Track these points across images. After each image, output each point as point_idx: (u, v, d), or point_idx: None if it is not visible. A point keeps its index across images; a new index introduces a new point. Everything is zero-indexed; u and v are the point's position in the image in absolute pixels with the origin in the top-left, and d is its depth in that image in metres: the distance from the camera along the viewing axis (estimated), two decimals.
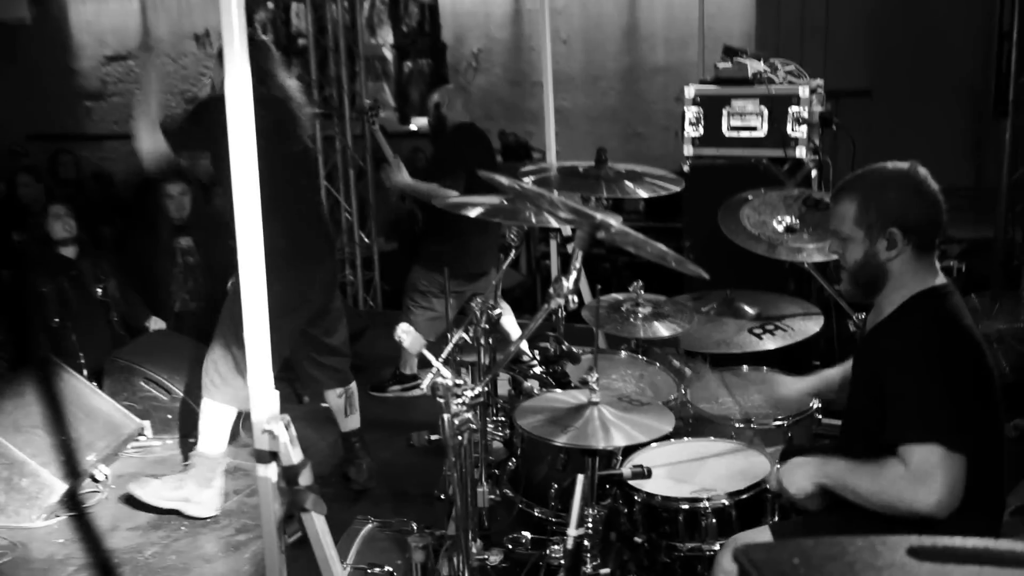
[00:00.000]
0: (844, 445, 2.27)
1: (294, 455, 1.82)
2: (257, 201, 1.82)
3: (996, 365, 2.08)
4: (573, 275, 2.11)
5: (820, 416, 2.80)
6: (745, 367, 3.08)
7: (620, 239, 2.21)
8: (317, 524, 1.85)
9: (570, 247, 3.88)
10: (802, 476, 2.12)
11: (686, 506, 2.33)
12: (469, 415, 2.09)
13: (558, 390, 2.63)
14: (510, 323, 4.19)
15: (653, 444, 2.58)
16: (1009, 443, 4.09)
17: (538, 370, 2.78)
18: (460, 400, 2.05)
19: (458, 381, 2.07)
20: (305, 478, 1.83)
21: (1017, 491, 3.38)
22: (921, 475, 1.88)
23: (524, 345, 3.28)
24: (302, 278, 3.33)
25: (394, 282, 6.04)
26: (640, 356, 3.13)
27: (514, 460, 2.64)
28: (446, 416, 1.98)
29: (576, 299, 2.16)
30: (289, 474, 1.81)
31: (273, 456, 1.79)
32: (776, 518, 2.34)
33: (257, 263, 1.82)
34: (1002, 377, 4.67)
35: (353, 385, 3.72)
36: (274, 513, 1.80)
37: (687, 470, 2.51)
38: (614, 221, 2.07)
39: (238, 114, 1.78)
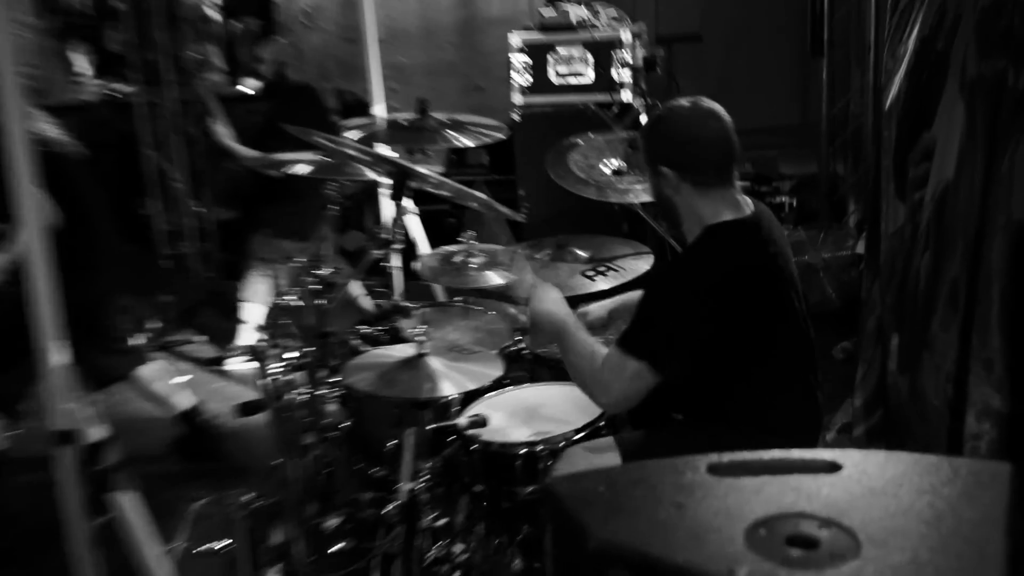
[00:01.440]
0: None
1: (95, 432, 1.72)
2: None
3: (790, 295, 2.17)
4: (388, 221, 2.08)
5: None
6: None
7: (434, 187, 2.20)
8: (126, 505, 1.76)
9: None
10: (548, 309, 2.25)
11: (523, 451, 2.35)
12: (294, 377, 2.04)
13: (388, 347, 2.60)
14: (354, 283, 4.14)
15: (492, 394, 2.61)
16: (836, 365, 4.37)
17: (365, 329, 2.74)
18: (282, 363, 2.00)
19: (279, 343, 2.02)
20: (110, 456, 1.74)
21: (844, 409, 3.61)
22: (609, 375, 2.04)
23: (364, 302, 3.27)
24: None
25: (234, 251, 5.84)
26: (474, 306, 3.10)
27: (349, 421, 2.60)
28: (265, 380, 1.92)
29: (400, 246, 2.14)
30: (90, 452, 1.71)
31: (69, 436, 1.69)
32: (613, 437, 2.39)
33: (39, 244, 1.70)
34: (826, 303, 4.98)
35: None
36: (76, 496, 1.70)
37: (525, 416, 2.53)
38: (421, 168, 2.05)
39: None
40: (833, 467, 0.97)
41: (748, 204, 2.20)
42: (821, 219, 5.66)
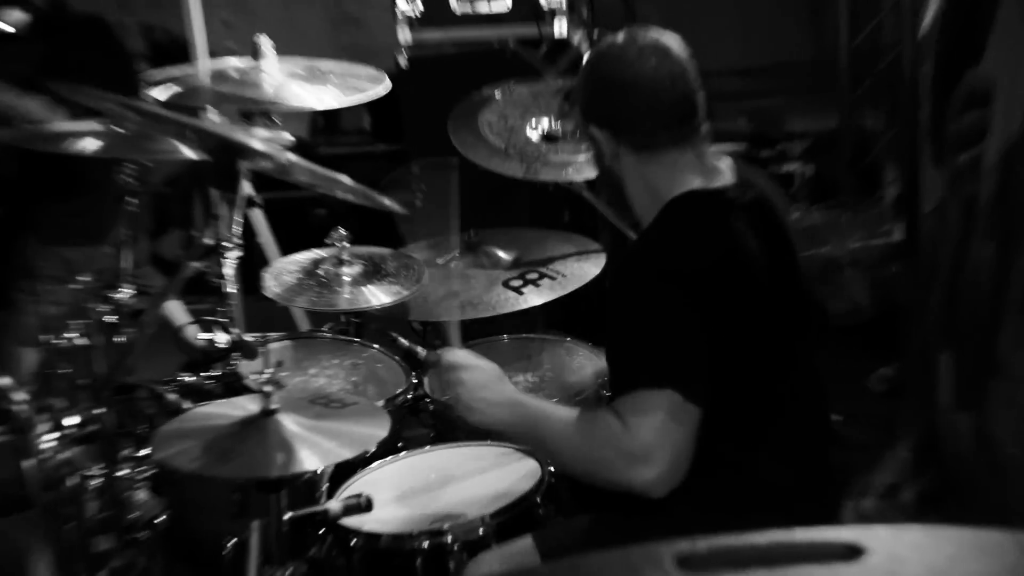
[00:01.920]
0: None
1: None
2: None
3: (785, 308, 2.22)
4: (215, 222, 2.06)
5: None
6: (505, 337, 3.16)
7: (286, 171, 2.19)
8: None
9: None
10: (487, 403, 2.24)
11: (425, 543, 2.36)
12: (75, 453, 2.01)
13: (223, 400, 2.57)
14: (174, 308, 4.08)
15: (377, 464, 2.64)
16: (874, 400, 4.47)
17: (188, 378, 2.71)
18: (55, 433, 1.96)
19: (48, 404, 1.98)
20: None
21: (887, 463, 3.68)
22: (638, 436, 2.00)
23: (192, 335, 3.23)
24: None
25: None
26: (351, 338, 3.16)
27: (167, 513, 2.57)
28: (26, 460, 1.88)
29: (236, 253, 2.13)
30: None
31: None
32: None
33: None
34: (856, 312, 5.09)
35: None
36: None
37: (428, 493, 2.56)
38: (261, 144, 2.03)
39: None
40: (853, 552, 0.96)
41: (727, 170, 2.25)
42: (846, 194, 5.77)
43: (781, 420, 2.18)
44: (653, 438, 1.99)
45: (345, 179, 2.12)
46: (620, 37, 2.21)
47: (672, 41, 2.20)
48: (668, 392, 1.99)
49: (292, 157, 2.09)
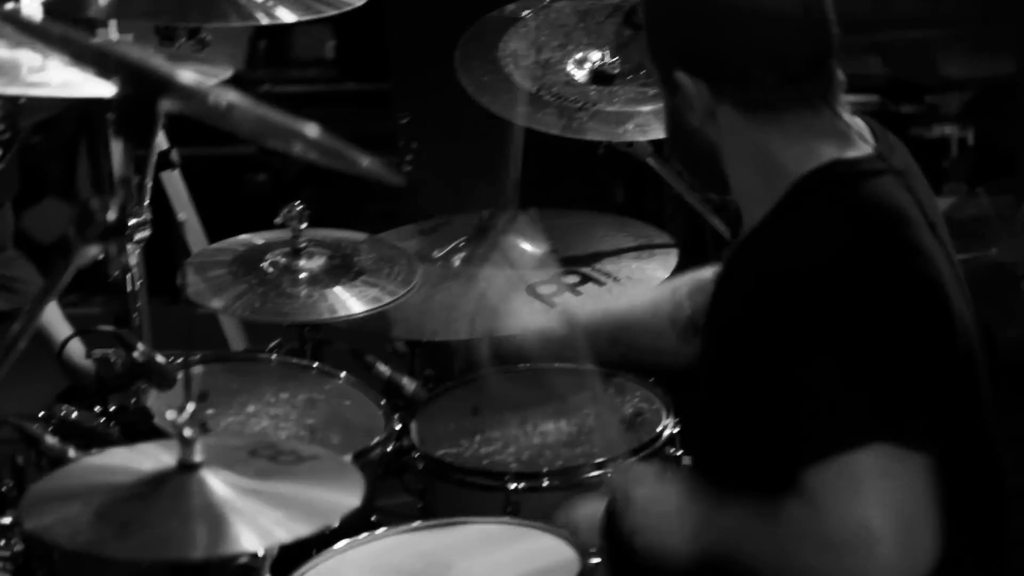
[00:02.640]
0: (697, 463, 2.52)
1: None
2: None
3: (970, 314, 2.23)
4: (121, 188, 2.07)
5: (679, 452, 2.98)
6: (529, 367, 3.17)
7: (224, 116, 2.19)
8: None
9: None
10: (669, 534, 2.23)
11: None
12: None
13: (122, 447, 2.60)
14: (52, 314, 4.10)
15: (343, 544, 2.64)
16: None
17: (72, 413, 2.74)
18: None
19: None
20: None
21: None
22: (851, 521, 1.97)
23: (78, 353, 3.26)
24: None
25: None
26: (309, 362, 3.18)
27: None
28: None
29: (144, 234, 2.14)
30: None
31: None
32: None
33: None
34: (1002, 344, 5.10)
35: None
36: None
37: None
38: (195, 77, 2.04)
39: None
40: None
41: (863, 131, 2.27)
42: (1019, 171, 5.77)
43: (962, 483, 2.18)
44: (862, 511, 1.98)
45: (311, 129, 2.11)
46: None
47: None
48: (874, 447, 1.99)
49: (235, 97, 2.10)
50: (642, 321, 2.81)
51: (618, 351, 2.88)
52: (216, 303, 3.10)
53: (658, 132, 3.14)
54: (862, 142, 2.23)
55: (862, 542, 1.96)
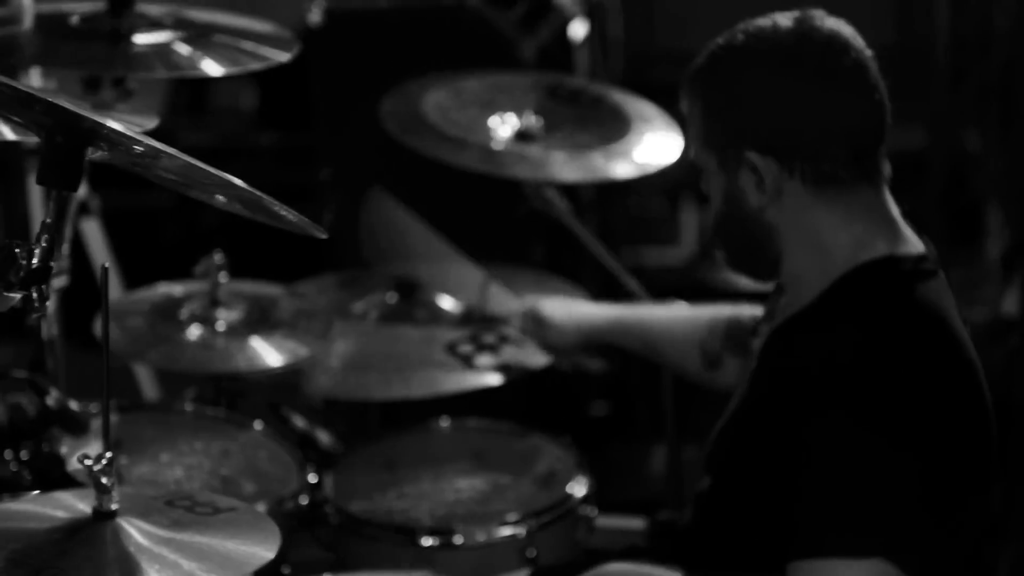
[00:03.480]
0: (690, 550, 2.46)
1: None
2: None
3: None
4: (43, 236, 2.08)
5: (593, 511, 3.00)
6: (443, 423, 3.22)
7: (149, 165, 2.21)
8: None
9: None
10: None
11: None
12: None
13: (34, 495, 2.58)
14: None
15: None
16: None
17: None
18: None
19: None
20: None
21: None
22: None
23: None
24: None
25: None
26: (223, 413, 3.18)
27: None
28: None
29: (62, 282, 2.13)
30: None
31: None
32: None
33: None
34: None
35: None
36: None
37: None
38: (117, 120, 2.05)
39: None
40: None
41: (911, 232, 2.29)
42: (936, 242, 5.84)
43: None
44: None
45: (237, 181, 2.12)
46: (782, 22, 2.23)
47: (848, 28, 2.25)
48: (874, 563, 2.00)
49: (160, 147, 2.10)
50: (673, 337, 2.89)
51: (643, 352, 2.99)
52: (133, 352, 3.12)
53: (572, 176, 3.22)
54: (913, 238, 2.26)
55: None
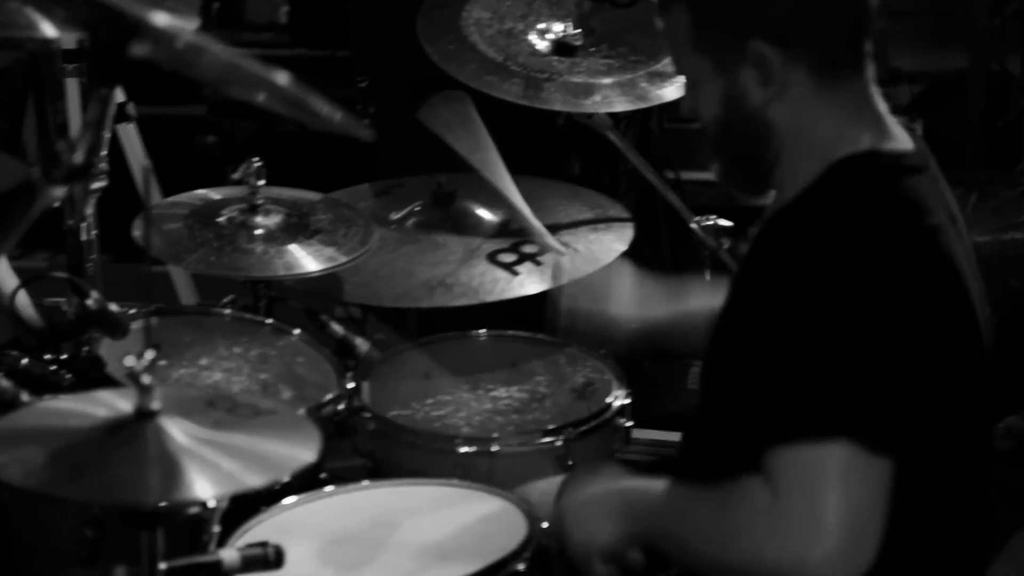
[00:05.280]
0: (690, 458, 2.48)
1: None
2: None
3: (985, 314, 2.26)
4: (83, 135, 2.08)
5: (629, 423, 2.99)
6: (483, 334, 3.22)
7: (190, 63, 2.20)
8: None
9: None
10: (598, 521, 2.31)
11: None
12: None
13: (77, 394, 2.60)
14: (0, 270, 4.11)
15: (294, 499, 2.65)
16: (997, 460, 4.53)
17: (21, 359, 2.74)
18: None
19: None
20: None
21: (1012, 552, 3.75)
22: (802, 502, 2.02)
23: (23, 303, 3.25)
24: None
25: None
26: (263, 318, 3.19)
27: None
28: None
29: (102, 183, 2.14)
30: None
31: None
32: None
33: None
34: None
35: None
36: None
37: (363, 547, 2.57)
38: (166, 18, 2.05)
39: None
40: None
41: (900, 128, 2.30)
42: (974, 166, 5.82)
43: (958, 483, 2.23)
44: (818, 503, 2.01)
45: (281, 76, 2.11)
46: None
47: None
48: (842, 444, 2.01)
49: (205, 41, 2.10)
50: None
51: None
52: (173, 255, 3.13)
53: (617, 105, 3.19)
54: (901, 134, 2.28)
55: (810, 532, 2.00)
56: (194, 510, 2.49)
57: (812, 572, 2.00)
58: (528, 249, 3.14)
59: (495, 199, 3.28)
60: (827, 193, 2.20)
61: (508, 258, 3.13)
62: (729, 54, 2.22)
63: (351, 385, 3.01)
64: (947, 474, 2.20)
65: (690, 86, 2.34)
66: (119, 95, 3.01)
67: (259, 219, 3.11)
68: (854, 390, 2.04)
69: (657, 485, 2.32)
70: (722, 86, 2.26)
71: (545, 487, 2.66)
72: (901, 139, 2.27)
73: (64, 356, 2.77)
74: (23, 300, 3.22)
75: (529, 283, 3.10)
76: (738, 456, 2.13)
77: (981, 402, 2.26)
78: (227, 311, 3.25)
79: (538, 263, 3.12)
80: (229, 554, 2.34)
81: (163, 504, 2.24)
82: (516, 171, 3.42)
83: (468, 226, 3.27)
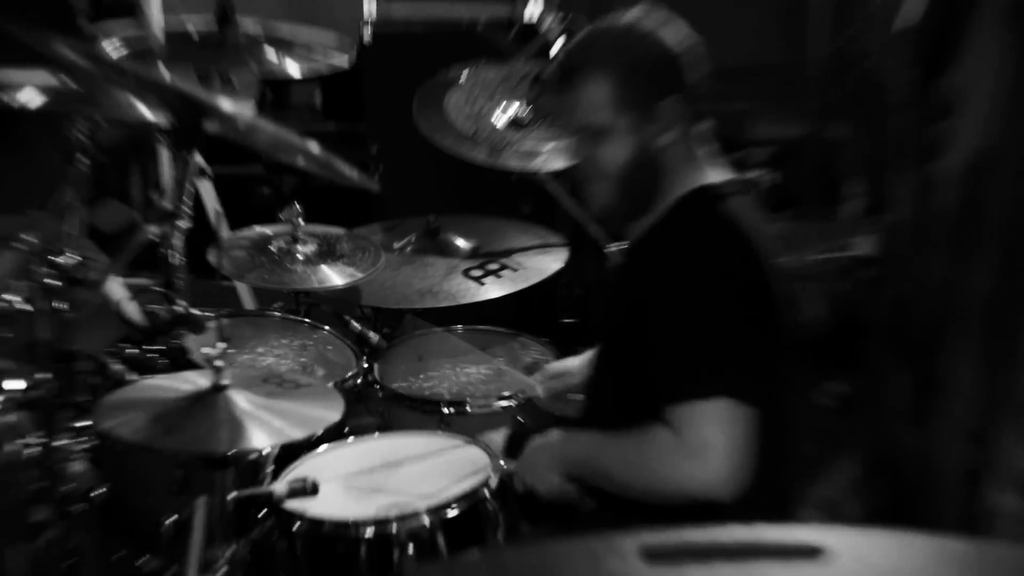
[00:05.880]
0: (590, 419, 2.47)
1: None
2: None
3: (784, 297, 2.29)
4: (171, 190, 2.08)
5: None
6: (460, 328, 3.22)
7: (248, 137, 2.22)
8: None
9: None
10: (545, 464, 2.33)
11: (369, 531, 2.37)
12: (15, 419, 2.03)
13: (169, 374, 2.60)
14: (112, 283, 4.08)
15: (324, 448, 2.65)
16: (824, 414, 4.53)
17: (128, 350, 2.75)
18: None
19: None
20: None
21: (831, 476, 3.75)
22: (696, 443, 2.05)
23: (131, 310, 3.24)
24: None
25: None
26: (302, 318, 3.19)
27: (105, 487, 2.59)
28: None
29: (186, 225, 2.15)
30: None
31: None
32: (503, 534, 2.44)
33: None
34: (814, 325, 5.16)
35: None
36: None
37: (375, 481, 2.56)
38: (230, 105, 2.06)
39: None
40: (814, 552, 0.97)
41: (720, 165, 2.35)
42: (808, 205, 5.84)
43: (780, 425, 2.24)
44: (713, 439, 2.04)
45: (312, 146, 2.13)
46: (632, 14, 2.26)
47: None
48: (722, 400, 2.05)
49: (260, 121, 2.12)
50: None
51: None
52: (238, 274, 3.12)
53: (557, 164, 3.21)
54: (721, 171, 2.32)
55: (704, 456, 2.03)
56: (253, 456, 2.50)
57: (705, 491, 2.05)
58: (490, 267, 3.14)
59: (470, 233, 3.30)
60: (680, 219, 2.24)
61: (476, 273, 3.13)
62: (644, 112, 2.22)
63: (366, 365, 3.02)
64: (776, 414, 2.21)
65: (598, 140, 2.24)
66: (198, 158, 3.01)
67: (299, 247, 3.10)
68: (727, 361, 2.10)
69: (586, 435, 2.35)
70: (635, 140, 2.23)
71: (499, 436, 2.69)
72: (721, 173, 2.30)
73: (160, 347, 2.77)
74: (131, 307, 3.21)
75: (491, 290, 3.08)
76: (629, 412, 2.17)
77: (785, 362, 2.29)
78: (277, 313, 3.25)
79: (498, 276, 3.11)
80: (279, 486, 2.37)
81: (231, 452, 2.28)
82: (482, 212, 3.44)
83: (449, 251, 3.28)
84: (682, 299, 2.16)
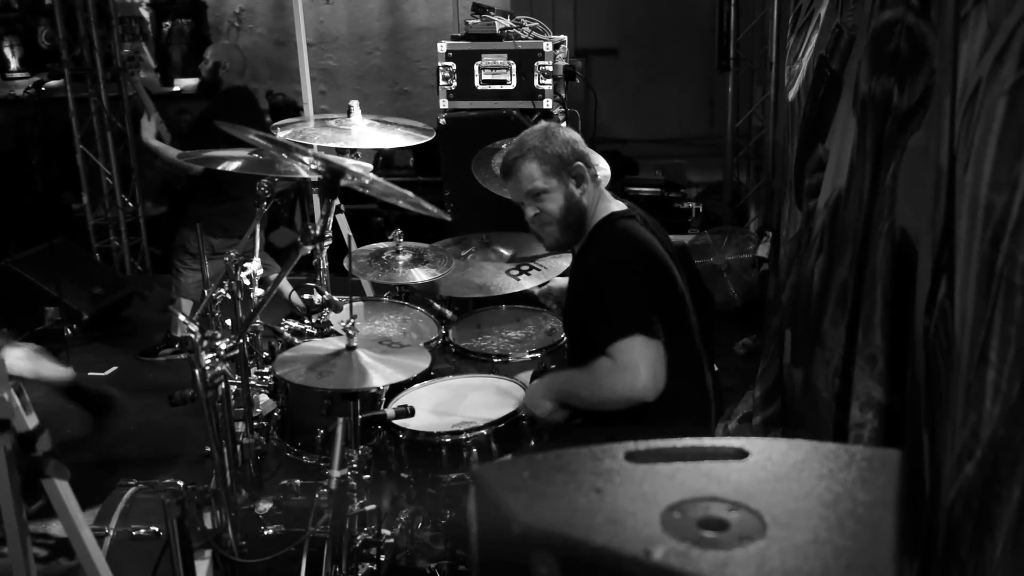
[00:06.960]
0: (569, 362, 2.46)
1: (28, 421, 1.65)
2: None
3: (689, 283, 2.29)
4: (320, 221, 2.05)
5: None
6: (504, 307, 3.15)
7: (368, 187, 2.18)
8: (60, 491, 1.69)
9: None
10: (540, 395, 2.29)
11: (448, 439, 2.35)
12: (224, 367, 2.00)
13: (318, 339, 2.57)
14: (284, 282, 4.08)
15: (417, 385, 2.61)
16: (738, 360, 4.47)
17: (293, 323, 2.71)
18: (212, 354, 1.96)
19: (209, 334, 1.98)
20: (43, 444, 1.67)
21: (745, 400, 3.70)
22: (625, 364, 2.04)
23: (294, 297, 3.22)
24: None
25: (164, 246, 5.71)
26: (403, 301, 3.13)
27: (280, 410, 2.56)
28: (196, 370, 1.88)
29: (329, 243, 2.13)
30: (24, 441, 1.64)
31: (5, 424, 1.61)
32: (533, 442, 2.40)
33: None
34: (729, 302, 5.08)
35: None
36: (12, 482, 1.63)
37: (450, 406, 2.53)
38: (354, 166, 2.02)
39: None
40: (741, 454, 0.97)
41: (620, 200, 2.37)
42: (725, 224, 5.80)
43: (683, 361, 2.20)
44: (635, 360, 2.03)
45: (408, 193, 2.10)
46: (551, 124, 2.37)
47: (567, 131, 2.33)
48: (637, 336, 2.04)
49: (375, 177, 2.08)
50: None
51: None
52: (361, 274, 3.05)
53: None
54: (621, 203, 2.33)
55: (632, 372, 2.03)
56: (373, 391, 2.47)
57: (636, 396, 2.04)
58: (523, 268, 3.07)
59: (509, 245, 3.24)
60: (598, 236, 2.26)
61: (514, 272, 3.06)
62: (564, 174, 2.24)
63: (443, 332, 2.96)
64: (686, 348, 2.22)
65: (541, 198, 2.26)
66: (336, 200, 2.99)
67: (400, 256, 3.05)
68: (636, 313, 2.09)
69: (563, 372, 2.37)
70: (563, 192, 2.25)
71: (527, 376, 2.64)
72: (620, 205, 2.32)
73: (312, 322, 2.74)
74: (295, 295, 3.20)
75: (525, 283, 3.00)
76: (588, 355, 2.14)
77: (687, 313, 2.25)
78: (386, 299, 3.20)
79: (528, 274, 3.04)
80: (389, 411, 2.34)
81: (359, 388, 2.25)
82: (516, 231, 3.37)
83: (496, 257, 3.22)
84: (604, 282, 2.16)
